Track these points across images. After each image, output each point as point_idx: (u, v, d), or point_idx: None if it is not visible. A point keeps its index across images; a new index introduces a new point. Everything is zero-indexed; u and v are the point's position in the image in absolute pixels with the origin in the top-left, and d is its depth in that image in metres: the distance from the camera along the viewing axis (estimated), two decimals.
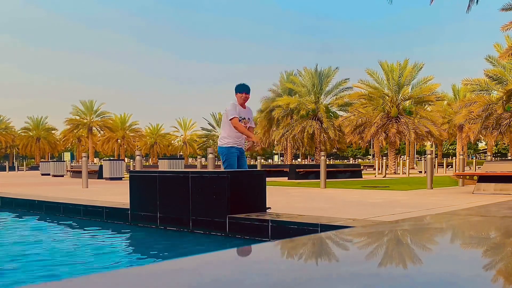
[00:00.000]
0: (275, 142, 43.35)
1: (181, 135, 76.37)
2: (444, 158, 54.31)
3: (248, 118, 6.66)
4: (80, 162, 23.18)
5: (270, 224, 5.38)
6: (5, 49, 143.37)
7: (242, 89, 6.56)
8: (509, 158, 36.51)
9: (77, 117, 65.48)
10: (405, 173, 25.30)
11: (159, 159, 19.85)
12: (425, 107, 33.73)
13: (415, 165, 41.18)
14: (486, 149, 62.30)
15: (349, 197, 8.88)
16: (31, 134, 69.77)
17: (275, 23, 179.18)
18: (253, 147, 6.93)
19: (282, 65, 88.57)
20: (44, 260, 4.85)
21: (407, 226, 3.36)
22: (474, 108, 32.90)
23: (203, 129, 70.71)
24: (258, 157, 25.53)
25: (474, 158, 35.46)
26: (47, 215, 8.26)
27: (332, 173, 18.16)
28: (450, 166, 36.54)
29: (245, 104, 6.65)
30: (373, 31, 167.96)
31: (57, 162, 27.46)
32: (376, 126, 29.33)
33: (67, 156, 72.86)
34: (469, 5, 21.31)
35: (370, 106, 30.85)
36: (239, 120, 6.49)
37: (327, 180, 12.60)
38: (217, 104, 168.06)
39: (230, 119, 6.45)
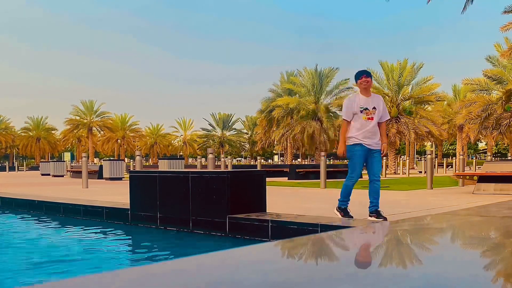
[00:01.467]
0: (275, 142, 43.38)
1: (181, 135, 76.39)
2: (444, 158, 54.31)
3: (374, 108, 5.56)
4: (80, 162, 23.18)
5: (270, 224, 5.38)
6: (5, 49, 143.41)
7: (360, 74, 5.58)
8: (509, 158, 36.52)
9: (77, 117, 65.47)
10: (405, 173, 25.30)
11: (159, 159, 19.84)
12: (425, 107, 33.74)
13: (415, 165, 41.19)
14: (486, 149, 62.29)
15: None
16: (31, 134, 69.76)
17: (275, 23, 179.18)
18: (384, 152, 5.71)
19: (282, 65, 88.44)
20: (43, 260, 4.85)
21: (407, 226, 3.36)
22: (474, 108, 32.92)
23: (203, 129, 70.78)
24: (258, 157, 25.53)
25: (474, 158, 35.47)
26: (47, 215, 8.25)
27: (332, 173, 18.14)
28: (450, 166, 36.54)
29: (370, 90, 5.67)
30: (373, 31, 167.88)
31: (57, 162, 27.45)
32: None
33: (67, 156, 72.85)
34: (465, 6, 21.33)
35: None
36: (361, 111, 5.51)
37: (327, 180, 12.60)
38: (217, 104, 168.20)
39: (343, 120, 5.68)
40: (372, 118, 5.53)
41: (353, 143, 5.50)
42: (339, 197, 5.63)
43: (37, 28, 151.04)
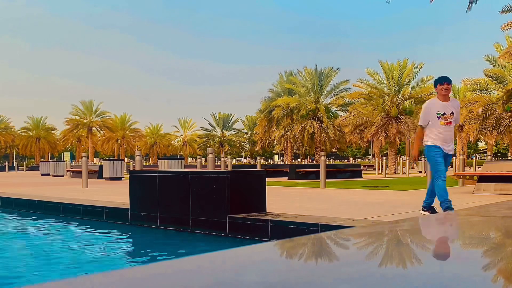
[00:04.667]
0: (275, 142, 43.38)
1: (181, 135, 76.38)
2: None
3: (452, 113, 5.85)
4: (80, 162, 23.17)
5: (270, 224, 5.37)
6: (5, 49, 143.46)
7: (442, 80, 5.84)
8: (509, 158, 36.50)
9: (77, 117, 65.45)
10: (405, 173, 25.30)
11: (159, 159, 19.83)
12: None
13: (415, 165, 41.15)
14: (486, 149, 62.29)
15: (349, 197, 8.87)
16: (31, 134, 69.72)
17: (275, 23, 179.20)
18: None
19: (282, 65, 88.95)
20: (42, 260, 4.85)
21: (407, 226, 3.36)
22: (474, 108, 32.91)
23: (203, 129, 70.75)
24: (258, 157, 25.50)
25: (474, 158, 35.47)
26: (47, 215, 8.25)
27: (332, 173, 18.15)
28: (450, 166, 36.50)
29: (448, 96, 5.93)
30: (373, 31, 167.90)
31: (57, 162, 27.43)
32: (376, 126, 29.31)
33: (67, 156, 72.82)
34: (469, 5, 21.29)
35: (370, 106, 30.85)
36: (438, 117, 5.80)
37: (327, 180, 12.59)
38: (217, 104, 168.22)
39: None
40: (450, 123, 5.84)
41: (431, 144, 5.82)
42: (425, 199, 6.19)
43: (37, 27, 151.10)
